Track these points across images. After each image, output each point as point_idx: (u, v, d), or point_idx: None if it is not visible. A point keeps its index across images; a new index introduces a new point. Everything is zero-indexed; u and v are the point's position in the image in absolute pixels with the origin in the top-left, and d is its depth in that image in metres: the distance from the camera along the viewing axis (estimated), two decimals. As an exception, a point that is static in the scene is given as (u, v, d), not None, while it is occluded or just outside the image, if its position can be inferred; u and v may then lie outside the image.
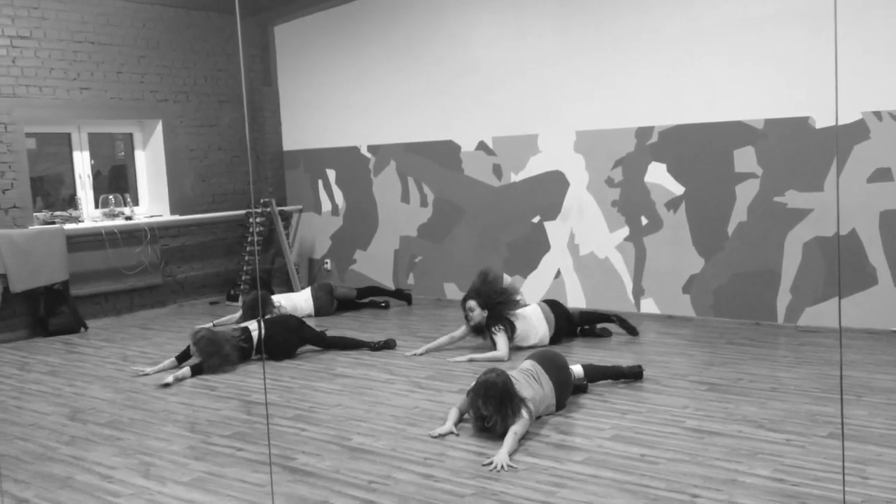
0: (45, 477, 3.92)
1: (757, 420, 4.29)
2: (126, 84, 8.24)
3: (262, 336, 5.89)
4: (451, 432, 4.28)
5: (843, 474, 3.43)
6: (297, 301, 7.75)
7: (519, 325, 6.02)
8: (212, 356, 5.71)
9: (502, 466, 3.82)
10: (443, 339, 6.14)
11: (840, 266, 6.33)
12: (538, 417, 4.38)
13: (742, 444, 3.95)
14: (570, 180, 7.50)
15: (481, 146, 8.02)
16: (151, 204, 8.80)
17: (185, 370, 5.68)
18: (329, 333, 6.48)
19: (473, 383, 4.33)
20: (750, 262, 6.66)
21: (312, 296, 7.82)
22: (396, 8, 8.47)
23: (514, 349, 5.94)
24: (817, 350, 5.71)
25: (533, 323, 6.12)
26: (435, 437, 4.22)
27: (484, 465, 3.85)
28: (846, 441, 3.89)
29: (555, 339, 6.18)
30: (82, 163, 8.23)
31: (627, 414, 4.50)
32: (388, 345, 6.31)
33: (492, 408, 4.12)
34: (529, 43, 7.63)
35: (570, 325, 6.34)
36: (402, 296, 8.21)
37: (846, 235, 6.21)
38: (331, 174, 9.20)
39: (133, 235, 8.16)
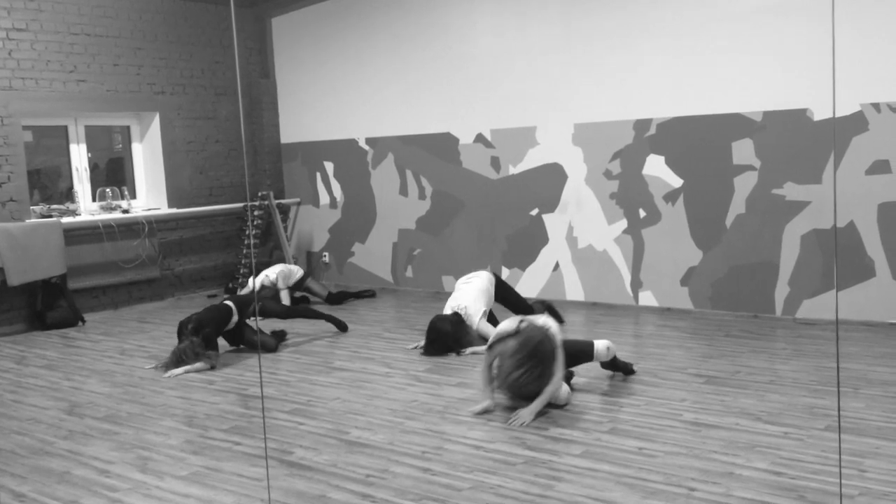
0: (42, 471, 3.91)
1: (755, 413, 4.29)
2: (123, 76, 8.21)
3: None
4: (488, 409, 4.45)
5: (840, 467, 3.43)
6: (291, 268, 7.98)
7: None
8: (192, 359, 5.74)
9: (524, 423, 4.05)
10: None
11: (837, 258, 6.33)
12: None
13: (740, 436, 3.95)
14: (569, 173, 7.48)
15: (479, 139, 8.01)
16: (149, 197, 8.78)
17: (201, 364, 5.71)
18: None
19: (494, 338, 4.51)
20: (748, 255, 6.65)
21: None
22: (394, 0, 8.43)
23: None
24: (815, 342, 5.71)
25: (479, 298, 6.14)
26: (479, 413, 4.42)
27: (509, 422, 4.13)
28: (844, 434, 3.89)
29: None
30: (79, 155, 8.21)
31: (625, 407, 4.50)
32: (340, 325, 6.73)
33: (526, 369, 4.23)
34: (527, 35, 7.60)
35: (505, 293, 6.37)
36: (366, 294, 8.27)
37: (844, 228, 6.20)
38: (329, 167, 9.18)
39: (130, 228, 8.14)
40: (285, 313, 6.73)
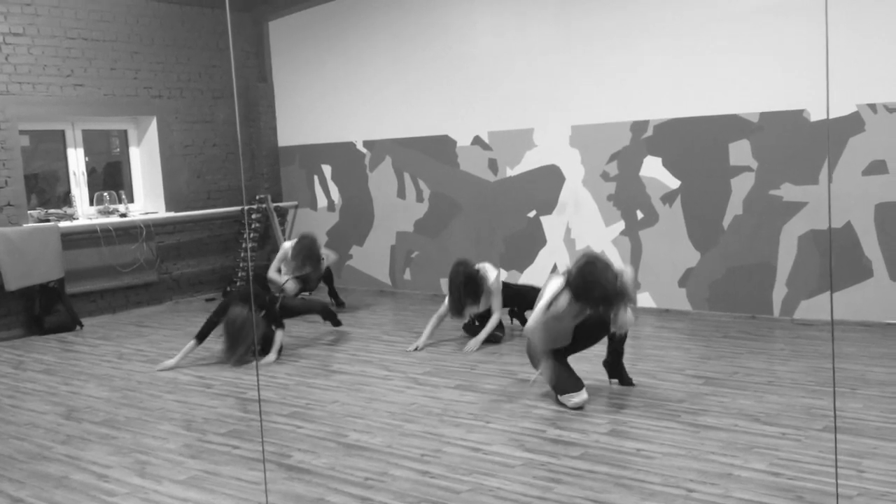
0: (40, 476, 3.91)
1: (753, 414, 4.29)
2: (120, 80, 8.21)
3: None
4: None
5: (836, 467, 3.43)
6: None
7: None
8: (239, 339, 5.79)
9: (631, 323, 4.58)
10: (432, 322, 6.16)
11: (832, 259, 6.33)
12: None
13: (738, 437, 3.96)
14: (566, 175, 7.49)
15: (477, 141, 8.01)
16: (146, 201, 8.78)
17: (191, 344, 5.93)
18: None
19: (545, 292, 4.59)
20: (746, 256, 6.66)
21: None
22: (391, 3, 8.44)
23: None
24: (813, 343, 5.72)
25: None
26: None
27: (619, 329, 4.58)
28: (842, 434, 3.90)
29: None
30: (77, 160, 8.21)
31: (623, 408, 4.50)
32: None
33: (601, 300, 4.36)
34: (524, 37, 7.61)
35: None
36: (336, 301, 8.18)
37: (841, 228, 6.21)
38: (326, 170, 9.19)
39: (128, 232, 8.14)
40: (306, 309, 6.77)
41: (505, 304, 6.30)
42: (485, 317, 6.18)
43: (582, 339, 4.75)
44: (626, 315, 4.58)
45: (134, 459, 4.07)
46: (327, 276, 8.03)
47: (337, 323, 6.79)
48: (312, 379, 5.45)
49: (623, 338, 4.83)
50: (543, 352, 4.59)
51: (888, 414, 4.19)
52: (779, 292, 6.54)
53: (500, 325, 6.21)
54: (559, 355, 4.69)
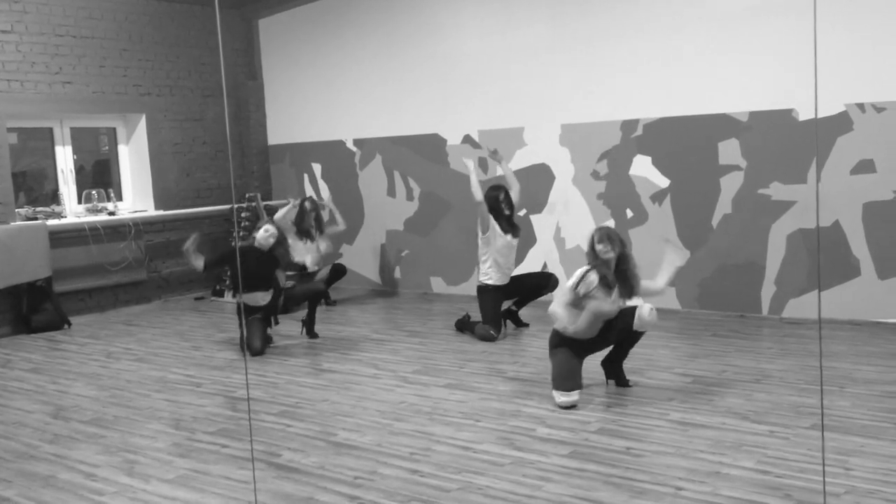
0: (27, 475, 3.89)
1: (741, 412, 4.31)
2: (109, 78, 8.17)
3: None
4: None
5: (824, 465, 3.45)
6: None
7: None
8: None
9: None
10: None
11: (820, 258, 6.36)
12: None
13: (726, 436, 3.97)
14: (556, 173, 7.50)
15: (467, 139, 8.01)
16: (135, 199, 8.74)
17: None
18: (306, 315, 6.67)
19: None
20: (734, 255, 6.68)
21: None
22: (381, 1, 8.43)
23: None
24: (801, 341, 5.74)
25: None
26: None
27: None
28: (830, 432, 3.92)
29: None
30: (65, 158, 8.16)
31: (612, 407, 4.51)
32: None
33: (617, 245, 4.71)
34: (515, 36, 7.61)
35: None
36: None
37: (830, 227, 6.24)
38: (316, 168, 9.17)
39: (117, 231, 8.10)
40: (305, 295, 6.65)
41: (508, 297, 6.46)
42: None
43: (603, 336, 4.73)
44: (649, 314, 4.67)
45: (122, 458, 4.05)
46: (334, 275, 8.00)
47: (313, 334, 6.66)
48: (302, 378, 5.44)
49: (637, 339, 4.84)
50: (564, 328, 4.61)
51: (876, 412, 4.22)
52: (767, 291, 6.57)
53: (495, 325, 6.22)
54: (577, 350, 4.65)
